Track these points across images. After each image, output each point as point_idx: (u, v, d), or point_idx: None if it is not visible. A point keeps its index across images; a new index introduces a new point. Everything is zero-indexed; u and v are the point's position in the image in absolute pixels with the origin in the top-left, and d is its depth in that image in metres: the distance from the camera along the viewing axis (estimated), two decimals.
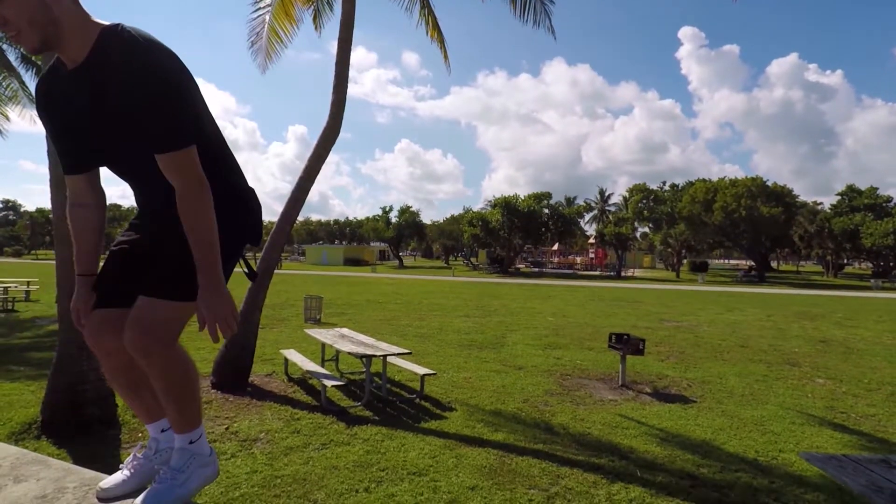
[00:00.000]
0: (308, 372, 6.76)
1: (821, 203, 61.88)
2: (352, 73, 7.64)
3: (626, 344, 7.42)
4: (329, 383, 6.10)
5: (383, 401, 6.40)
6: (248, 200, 1.61)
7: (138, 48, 1.34)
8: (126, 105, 1.38)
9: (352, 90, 8.28)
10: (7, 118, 15.44)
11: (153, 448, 1.57)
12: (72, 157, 1.58)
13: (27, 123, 15.56)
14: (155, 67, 1.34)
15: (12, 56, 14.04)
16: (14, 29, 1.29)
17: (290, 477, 4.19)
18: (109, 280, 1.56)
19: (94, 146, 1.53)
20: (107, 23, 1.39)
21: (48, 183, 5.07)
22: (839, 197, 56.58)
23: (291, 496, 3.87)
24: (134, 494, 1.43)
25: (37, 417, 5.12)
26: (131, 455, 1.56)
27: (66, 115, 1.51)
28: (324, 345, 7.85)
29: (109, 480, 1.46)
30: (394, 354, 6.63)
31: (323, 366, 7.64)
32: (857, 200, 53.75)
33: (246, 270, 1.69)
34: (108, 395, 5.27)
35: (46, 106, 1.52)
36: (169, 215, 1.50)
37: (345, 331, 8.16)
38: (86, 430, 4.95)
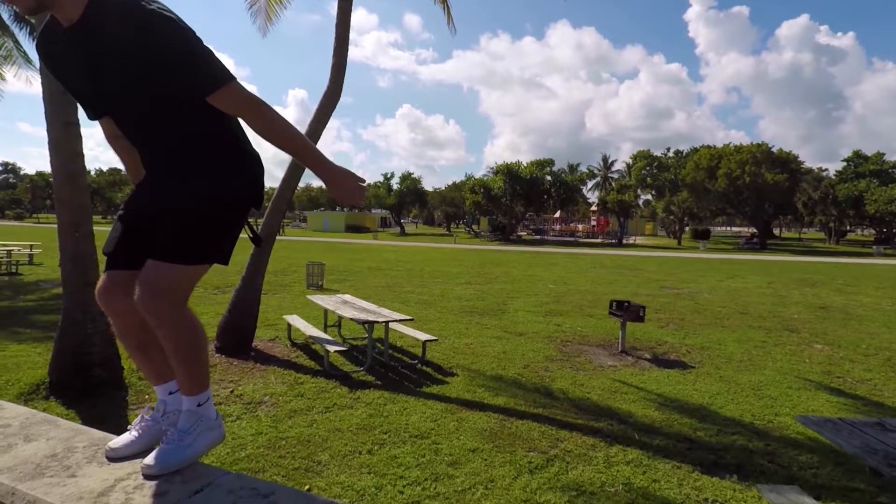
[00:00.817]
0: (311, 337, 6.83)
1: (826, 169, 61.42)
2: (352, 35, 7.48)
3: (627, 311, 7.47)
4: (332, 348, 6.17)
5: (385, 366, 6.49)
6: (252, 163, 1.60)
7: (134, 4, 1.33)
8: (130, 64, 1.37)
9: (352, 53, 8.12)
10: (3, 78, 15.20)
11: (161, 410, 1.59)
12: (89, 108, 1.61)
13: (23, 84, 15.35)
14: (154, 21, 1.34)
15: (6, 15, 13.74)
16: None
17: (295, 439, 4.28)
18: (118, 243, 1.57)
19: (97, 105, 1.55)
20: None
21: (47, 146, 5.03)
22: (845, 163, 56.01)
23: (296, 457, 3.96)
24: (142, 455, 1.46)
25: (45, 379, 5.20)
26: (139, 416, 1.58)
27: (69, 76, 1.52)
28: (326, 311, 7.91)
29: (118, 441, 1.49)
30: (396, 321, 6.68)
31: (325, 331, 7.71)
32: (862, 167, 53.18)
33: (250, 235, 1.70)
34: (115, 357, 5.34)
35: (50, 66, 1.54)
36: (173, 176, 1.49)
37: (347, 297, 8.21)
38: (93, 392, 5.04)
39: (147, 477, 1.34)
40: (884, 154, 53.70)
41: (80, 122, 5.09)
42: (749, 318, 10.43)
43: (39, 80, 5.00)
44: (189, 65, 1.38)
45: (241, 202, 1.56)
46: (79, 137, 5.05)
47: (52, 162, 5.02)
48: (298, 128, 1.53)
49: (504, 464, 3.94)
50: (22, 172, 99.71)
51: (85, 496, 1.23)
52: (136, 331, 1.56)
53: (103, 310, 1.56)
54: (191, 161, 1.50)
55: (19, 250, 16.62)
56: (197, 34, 1.42)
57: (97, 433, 1.57)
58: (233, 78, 1.42)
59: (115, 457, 1.44)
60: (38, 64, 6.11)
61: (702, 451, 4.30)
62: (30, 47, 14.90)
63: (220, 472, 1.38)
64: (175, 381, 1.62)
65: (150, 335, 1.54)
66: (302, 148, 1.52)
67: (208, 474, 1.36)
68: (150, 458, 1.38)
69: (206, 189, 1.47)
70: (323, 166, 1.50)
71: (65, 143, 4.97)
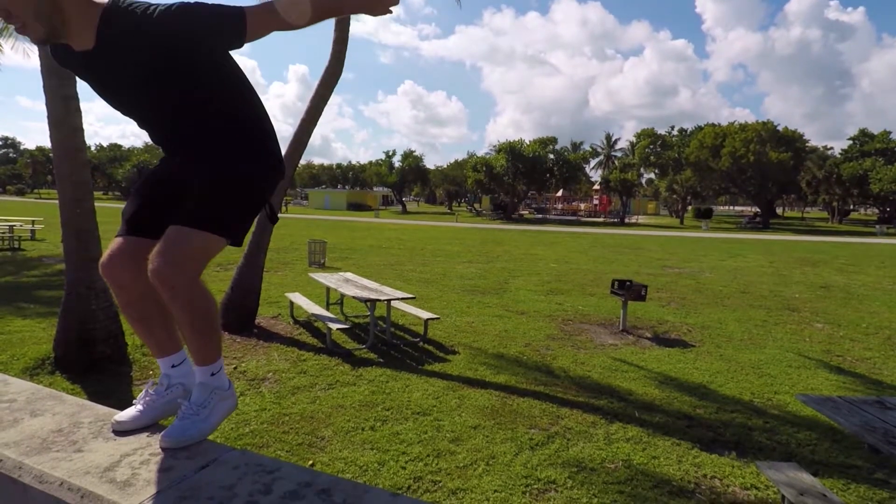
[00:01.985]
0: (313, 315, 6.85)
1: (831, 148, 60.85)
2: None
3: (629, 290, 7.47)
4: (334, 326, 6.19)
5: (387, 344, 6.52)
6: (275, 146, 1.62)
7: (144, 15, 1.33)
8: (158, 65, 1.39)
9: (354, 28, 7.99)
10: (0, 50, 14.93)
11: (164, 384, 1.60)
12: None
13: (21, 57, 15.13)
14: (169, 15, 1.34)
15: None
16: (19, 21, 1.29)
17: (298, 415, 4.33)
18: (136, 210, 1.57)
19: (118, 107, 1.55)
20: (103, 1, 1.37)
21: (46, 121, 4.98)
22: (850, 142, 55.42)
23: (300, 433, 4.00)
24: (147, 429, 1.48)
25: (49, 354, 5.25)
26: (143, 391, 1.59)
27: (88, 83, 1.54)
28: (328, 289, 7.93)
29: (123, 415, 1.50)
30: (398, 299, 6.69)
31: (328, 309, 7.74)
32: (868, 145, 52.60)
33: (268, 213, 1.72)
34: (118, 334, 5.38)
35: (70, 70, 1.55)
36: (201, 161, 1.50)
37: (349, 275, 8.22)
38: (98, 368, 5.09)
39: (165, 450, 1.36)
40: (890, 132, 53.04)
41: (80, 96, 5.04)
42: (750, 298, 10.44)
43: (37, 52, 4.93)
44: (217, 26, 1.39)
45: (266, 183, 1.59)
46: (78, 112, 5.00)
47: (51, 137, 4.98)
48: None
49: (505, 440, 3.98)
50: (22, 147, 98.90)
51: (91, 471, 1.23)
52: (139, 303, 1.55)
53: (106, 279, 1.55)
54: (218, 146, 1.51)
55: (21, 226, 16.62)
56: None
57: (102, 409, 1.58)
58: (243, 9, 1.41)
59: (121, 430, 1.45)
60: None
61: (701, 428, 4.34)
62: None
63: (225, 448, 1.39)
64: (178, 353, 1.63)
65: (153, 308, 1.55)
66: (331, 8, 1.53)
67: (213, 450, 1.37)
68: (167, 432, 1.40)
69: (234, 170, 1.49)
70: (354, 4, 1.52)
71: (64, 117, 4.92)
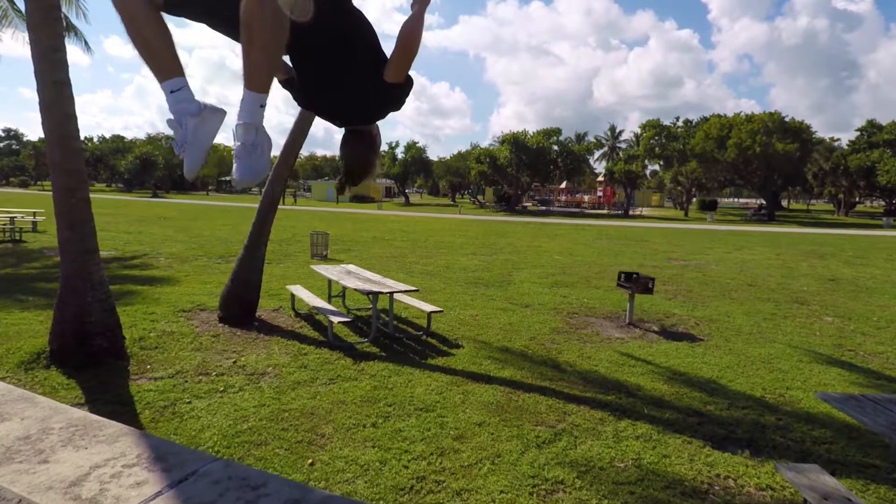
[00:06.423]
0: (315, 308, 6.73)
1: (838, 139, 60.16)
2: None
3: (636, 282, 7.33)
4: (336, 319, 6.07)
5: (390, 337, 6.40)
6: None
7: None
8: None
9: None
10: None
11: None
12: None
13: (22, 47, 15.00)
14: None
15: None
16: None
17: (298, 411, 4.21)
18: None
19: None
20: None
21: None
22: (858, 133, 54.82)
23: (300, 430, 3.88)
24: (124, 436, 1.36)
25: (45, 348, 5.13)
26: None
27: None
28: (330, 281, 7.81)
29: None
30: (400, 291, 6.57)
31: (329, 302, 7.62)
32: (876, 136, 52.02)
33: None
34: (115, 327, 5.27)
35: None
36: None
37: (351, 267, 8.10)
38: (94, 362, 4.97)
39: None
40: None
41: (72, 83, 4.89)
42: (757, 291, 10.29)
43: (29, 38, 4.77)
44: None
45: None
46: (71, 98, 4.86)
47: (43, 124, 4.84)
48: None
49: (511, 438, 3.86)
50: (25, 139, 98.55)
51: (55, 485, 1.10)
52: (142, 24, 1.50)
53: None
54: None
55: (22, 217, 16.52)
56: None
57: (76, 412, 1.45)
58: None
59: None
60: None
61: (712, 425, 4.21)
62: None
63: (207, 459, 1.25)
64: (178, 79, 1.55)
65: (155, 29, 1.51)
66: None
67: (194, 461, 1.24)
68: (241, 172, 1.48)
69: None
70: None
71: (55, 104, 4.78)
